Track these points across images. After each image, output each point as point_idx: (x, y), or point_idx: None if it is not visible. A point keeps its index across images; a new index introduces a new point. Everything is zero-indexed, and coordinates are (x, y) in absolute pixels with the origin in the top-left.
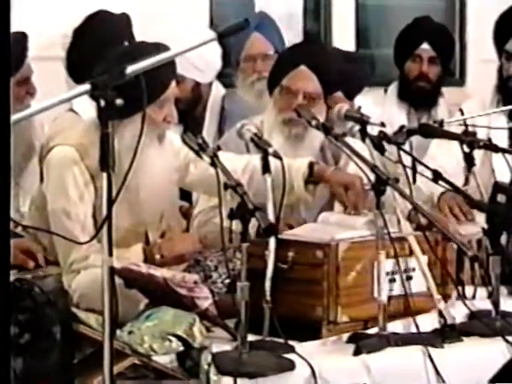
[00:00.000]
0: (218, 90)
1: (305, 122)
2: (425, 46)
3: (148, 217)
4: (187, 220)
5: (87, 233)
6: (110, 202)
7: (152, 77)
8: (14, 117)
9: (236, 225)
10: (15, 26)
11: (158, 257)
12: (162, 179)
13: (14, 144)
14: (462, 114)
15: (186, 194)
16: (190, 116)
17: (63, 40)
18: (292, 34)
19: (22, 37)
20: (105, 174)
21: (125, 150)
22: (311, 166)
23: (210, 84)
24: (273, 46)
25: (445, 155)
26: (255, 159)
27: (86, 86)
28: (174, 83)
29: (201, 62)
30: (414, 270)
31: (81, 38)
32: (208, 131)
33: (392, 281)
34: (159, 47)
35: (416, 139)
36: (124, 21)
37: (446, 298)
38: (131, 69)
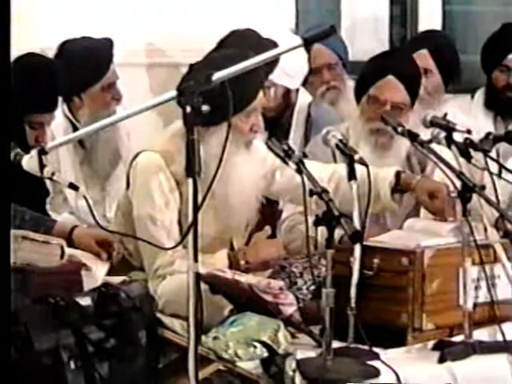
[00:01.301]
0: (304, 97)
1: (391, 130)
2: None
3: (234, 224)
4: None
5: (172, 239)
6: (196, 208)
7: (239, 87)
8: (100, 123)
9: (321, 232)
10: (101, 33)
11: (242, 263)
12: (249, 186)
13: (100, 150)
14: None
15: None
16: (276, 123)
17: (147, 47)
18: (377, 40)
19: (108, 43)
20: (190, 180)
21: (211, 157)
22: (398, 174)
23: (297, 90)
24: (336, 55)
25: None
26: (341, 168)
27: (173, 92)
28: (261, 93)
29: (291, 67)
30: (499, 277)
31: (226, 48)
32: (294, 138)
33: (477, 288)
34: (247, 55)
35: (503, 146)
36: (271, 45)
37: None
38: (217, 75)
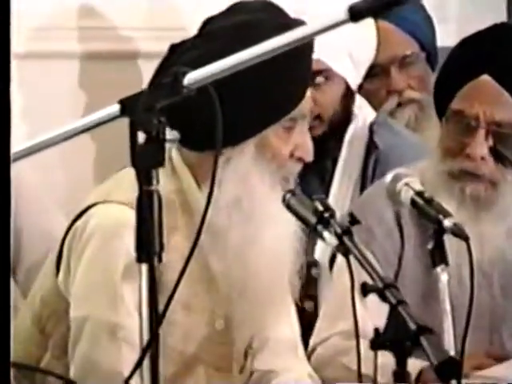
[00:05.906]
0: (363, 112)
1: (490, 171)
2: None
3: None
4: None
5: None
6: (157, 321)
7: (277, 78)
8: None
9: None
10: None
11: None
12: (280, 259)
13: None
14: None
15: None
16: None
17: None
18: (487, 13)
19: None
20: (144, 268)
21: (241, 196)
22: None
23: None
24: (415, 41)
25: None
26: None
27: (114, 107)
28: (309, 92)
29: (360, 54)
30: None
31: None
32: (341, 188)
33: None
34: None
35: None
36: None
37: None
38: (194, 75)
